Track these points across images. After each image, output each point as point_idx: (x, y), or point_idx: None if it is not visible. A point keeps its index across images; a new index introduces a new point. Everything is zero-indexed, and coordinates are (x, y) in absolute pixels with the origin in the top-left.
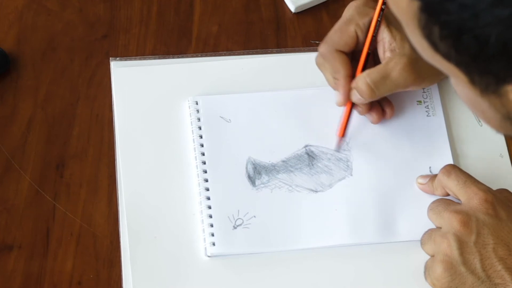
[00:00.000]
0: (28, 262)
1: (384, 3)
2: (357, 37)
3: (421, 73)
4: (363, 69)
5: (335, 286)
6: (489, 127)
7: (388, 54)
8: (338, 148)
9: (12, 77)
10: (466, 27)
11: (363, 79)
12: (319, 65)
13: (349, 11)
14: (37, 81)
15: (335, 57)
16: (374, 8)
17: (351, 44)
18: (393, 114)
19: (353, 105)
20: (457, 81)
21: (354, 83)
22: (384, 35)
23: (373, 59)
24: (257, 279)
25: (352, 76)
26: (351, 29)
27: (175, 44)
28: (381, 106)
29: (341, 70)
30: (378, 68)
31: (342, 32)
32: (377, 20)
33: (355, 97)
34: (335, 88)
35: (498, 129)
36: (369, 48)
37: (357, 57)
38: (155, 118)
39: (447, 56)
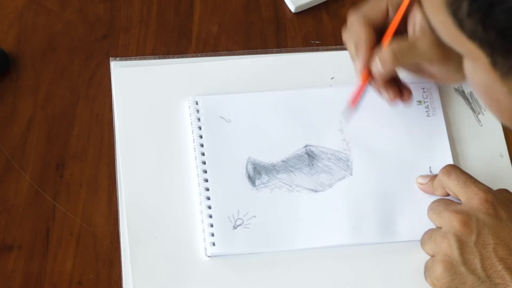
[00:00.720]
0: (28, 262)
1: None
2: (388, 13)
3: (449, 54)
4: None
5: (335, 286)
6: (498, 121)
7: (418, 33)
8: (348, 119)
9: (12, 77)
10: (498, 2)
11: (390, 46)
12: (344, 37)
13: None
14: (37, 81)
15: (361, 26)
16: None
17: (380, 18)
18: (411, 98)
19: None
20: (476, 64)
21: (378, 52)
22: (416, 15)
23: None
24: (257, 279)
25: (373, 46)
26: (383, 4)
27: (175, 44)
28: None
29: (363, 37)
30: (406, 39)
31: (373, 5)
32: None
33: (376, 67)
34: (355, 57)
35: (511, 122)
36: (398, 25)
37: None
38: (155, 118)
39: (472, 34)
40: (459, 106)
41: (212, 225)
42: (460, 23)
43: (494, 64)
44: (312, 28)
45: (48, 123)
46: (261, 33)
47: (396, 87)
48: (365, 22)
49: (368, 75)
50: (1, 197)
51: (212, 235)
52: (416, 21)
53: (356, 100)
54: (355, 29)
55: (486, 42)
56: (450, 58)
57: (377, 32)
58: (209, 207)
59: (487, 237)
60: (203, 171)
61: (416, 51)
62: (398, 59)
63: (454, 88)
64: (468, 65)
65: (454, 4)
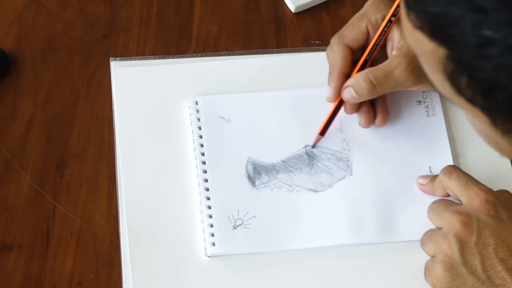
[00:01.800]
0: (28, 262)
1: (399, 5)
2: (368, 33)
3: (422, 76)
4: (361, 69)
5: (335, 286)
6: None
7: (394, 52)
8: (313, 145)
9: (12, 77)
10: (501, 85)
11: (365, 75)
12: (327, 56)
13: (365, 6)
14: (37, 81)
15: (339, 51)
16: (390, 7)
17: (360, 39)
18: (385, 123)
19: (340, 105)
20: (476, 119)
21: (350, 81)
22: (394, 33)
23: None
24: (257, 279)
25: (347, 75)
26: (363, 24)
27: (175, 44)
28: (375, 111)
29: (337, 65)
30: (381, 66)
31: (354, 26)
32: (389, 20)
33: (349, 94)
34: (328, 83)
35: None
36: (371, 51)
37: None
38: (155, 118)
39: (471, 101)
40: None
41: (212, 225)
42: (459, 91)
43: (495, 124)
44: (312, 28)
45: (48, 123)
46: (261, 33)
47: (371, 110)
48: (344, 46)
49: (338, 102)
50: (1, 197)
51: (212, 235)
52: (394, 41)
53: (323, 127)
54: (332, 52)
55: (486, 108)
56: (424, 80)
57: (358, 52)
58: (209, 207)
59: (488, 238)
60: (203, 171)
61: (392, 80)
62: (377, 89)
63: None
64: (467, 113)
65: (452, 76)
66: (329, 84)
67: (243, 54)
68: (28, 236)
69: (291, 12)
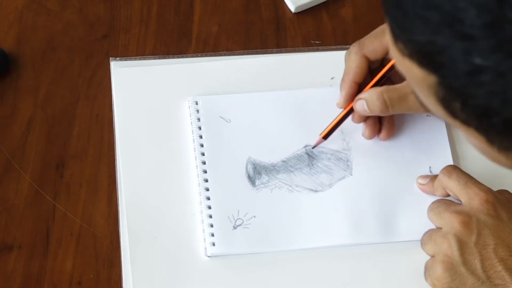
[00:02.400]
0: (28, 262)
1: None
2: (388, 48)
3: None
4: (377, 84)
5: (335, 286)
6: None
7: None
8: (313, 147)
9: (12, 77)
10: (495, 110)
11: (379, 94)
12: (344, 59)
13: None
14: (37, 81)
15: (356, 59)
16: None
17: (379, 52)
18: (388, 138)
19: (349, 113)
20: (472, 136)
21: (365, 94)
22: None
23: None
24: (257, 279)
25: (359, 84)
26: (384, 39)
27: (175, 44)
28: (380, 124)
29: (351, 73)
30: (397, 87)
31: (376, 37)
32: None
33: (361, 107)
34: (340, 88)
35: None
36: (388, 70)
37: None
38: (155, 118)
39: (465, 123)
40: None
41: (212, 225)
42: (453, 114)
43: (491, 142)
44: (312, 28)
45: (48, 123)
46: (261, 33)
47: (377, 123)
48: (361, 56)
49: (348, 110)
50: (1, 197)
51: (212, 235)
52: None
53: (328, 132)
54: (349, 58)
55: (481, 130)
56: None
57: (376, 62)
58: (209, 207)
59: (488, 238)
60: (203, 171)
61: (406, 104)
62: (389, 109)
63: None
64: (462, 131)
65: (444, 101)
66: (340, 90)
67: (243, 54)
68: (28, 236)
69: (291, 12)
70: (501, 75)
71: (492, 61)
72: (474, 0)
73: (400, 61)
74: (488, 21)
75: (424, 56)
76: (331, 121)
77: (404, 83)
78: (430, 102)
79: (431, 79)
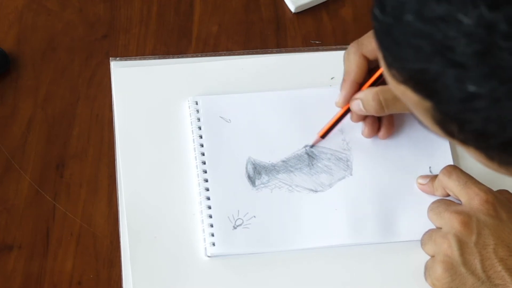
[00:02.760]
0: (28, 262)
1: None
2: None
3: None
4: (374, 83)
5: (335, 286)
6: None
7: None
8: (311, 146)
9: (12, 77)
10: (492, 134)
11: (375, 94)
12: (343, 60)
13: None
14: (37, 81)
15: (355, 59)
16: None
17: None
18: (387, 137)
19: (347, 112)
20: (471, 152)
21: (361, 94)
22: None
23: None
24: (257, 279)
25: (360, 84)
26: None
27: (175, 44)
28: (380, 123)
29: (352, 74)
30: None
31: (373, 37)
32: None
33: (357, 107)
34: (340, 88)
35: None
36: None
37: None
38: (155, 118)
39: (464, 142)
40: None
41: (212, 225)
42: (450, 135)
43: (491, 158)
44: (312, 28)
45: (48, 123)
46: (261, 33)
47: (376, 122)
48: (360, 56)
49: (346, 110)
50: (1, 197)
51: (212, 235)
52: None
53: (326, 131)
54: (348, 61)
55: (480, 149)
56: None
57: (375, 61)
58: (209, 207)
59: (488, 238)
60: (203, 171)
61: (401, 104)
62: (384, 110)
63: None
64: (462, 147)
65: (442, 124)
66: (340, 90)
67: (243, 54)
68: (28, 236)
69: (291, 12)
70: (496, 101)
71: (486, 88)
72: (464, 29)
73: (394, 86)
74: (479, 50)
75: (417, 83)
76: (330, 119)
77: None
78: (427, 122)
79: (427, 103)
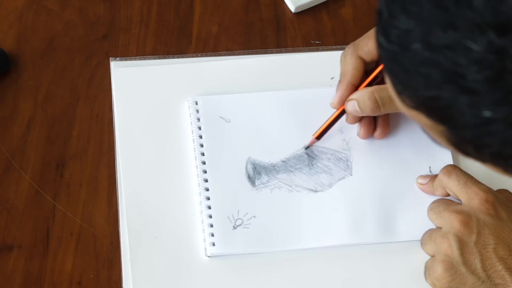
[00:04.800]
0: (28, 262)
1: None
2: None
3: None
4: (370, 85)
5: (335, 286)
6: None
7: None
8: (306, 147)
9: (12, 77)
10: (509, 155)
11: (370, 93)
12: (340, 62)
13: None
14: (37, 81)
15: (351, 61)
16: None
17: (374, 52)
18: (383, 136)
19: (342, 114)
20: (488, 167)
21: (356, 95)
22: None
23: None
24: (257, 279)
25: (356, 85)
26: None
27: (175, 44)
28: (375, 123)
29: (348, 75)
30: (388, 86)
31: (370, 38)
32: None
33: (352, 107)
34: (336, 89)
35: None
36: (382, 70)
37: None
38: (155, 118)
39: (481, 160)
40: None
41: (212, 225)
42: (466, 154)
43: (507, 171)
44: (312, 28)
45: (48, 123)
46: (261, 33)
47: (372, 122)
48: (357, 57)
49: (341, 111)
50: (1, 197)
51: (212, 235)
52: None
53: (321, 132)
54: (344, 63)
55: (497, 165)
56: None
57: (372, 63)
58: (209, 207)
59: (488, 237)
60: (203, 171)
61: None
62: (380, 109)
63: None
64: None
65: (458, 145)
66: (336, 91)
67: (243, 54)
68: (28, 236)
69: (291, 12)
70: None
71: (502, 112)
72: (474, 56)
73: (406, 111)
74: (491, 76)
75: (430, 109)
76: (325, 121)
77: None
78: (442, 142)
79: (441, 127)
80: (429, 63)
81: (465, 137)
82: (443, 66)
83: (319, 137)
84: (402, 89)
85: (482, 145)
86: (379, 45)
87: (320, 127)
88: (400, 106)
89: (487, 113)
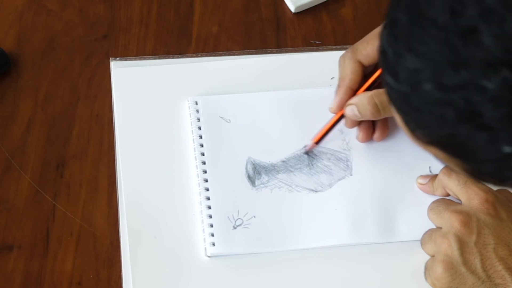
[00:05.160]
0: (28, 262)
1: None
2: None
3: None
4: (369, 89)
5: (335, 286)
6: None
7: None
8: (306, 152)
9: (12, 77)
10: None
11: (370, 98)
12: (338, 66)
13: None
14: (37, 81)
15: (350, 65)
16: None
17: (373, 56)
18: (382, 139)
19: (341, 118)
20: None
21: (355, 99)
22: None
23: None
24: (257, 279)
25: (355, 90)
26: (377, 42)
27: (175, 44)
28: (374, 126)
29: (347, 80)
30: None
31: (368, 42)
32: None
33: (351, 112)
34: (334, 94)
35: None
36: (381, 74)
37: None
38: (155, 118)
39: (498, 186)
40: None
41: (212, 225)
42: (484, 181)
43: None
44: (312, 28)
45: (48, 123)
46: (261, 33)
47: (371, 126)
48: (355, 62)
49: (340, 116)
50: (1, 197)
51: (212, 235)
52: None
53: (320, 137)
54: (344, 65)
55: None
56: None
57: (370, 67)
58: (209, 207)
59: (488, 237)
60: (203, 171)
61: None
62: (380, 113)
63: None
64: None
65: (477, 176)
66: (334, 96)
67: (243, 54)
68: (28, 236)
69: (291, 12)
70: None
71: None
72: (488, 94)
73: (421, 146)
74: (508, 112)
75: (446, 146)
76: (324, 125)
77: None
78: (459, 171)
79: (458, 161)
80: (442, 103)
81: (485, 171)
82: (457, 105)
83: (318, 142)
84: (416, 127)
85: (502, 178)
86: (387, 84)
87: (319, 132)
88: (414, 142)
89: (507, 149)
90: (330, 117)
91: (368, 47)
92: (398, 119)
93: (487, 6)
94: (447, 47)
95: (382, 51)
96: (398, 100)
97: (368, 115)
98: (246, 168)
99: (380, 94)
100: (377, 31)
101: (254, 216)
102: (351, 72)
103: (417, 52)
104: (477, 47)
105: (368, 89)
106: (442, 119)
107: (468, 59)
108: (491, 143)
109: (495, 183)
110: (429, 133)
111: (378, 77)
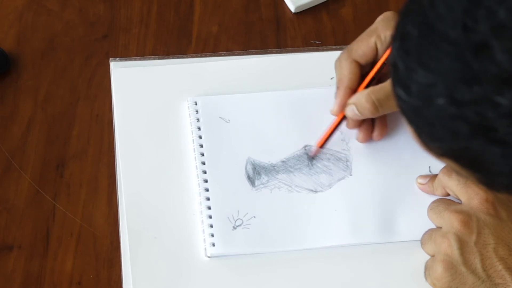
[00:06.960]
0: (28, 262)
1: None
2: (377, 49)
3: None
4: (368, 86)
5: (335, 286)
6: None
7: None
8: (312, 157)
9: (12, 77)
10: None
11: (367, 96)
12: (335, 68)
13: (375, 22)
14: (37, 81)
15: (347, 66)
16: None
17: (369, 55)
18: (382, 137)
19: (342, 120)
20: None
21: (353, 99)
22: None
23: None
24: (257, 280)
25: (354, 90)
26: (372, 40)
27: (175, 44)
28: (373, 125)
29: (345, 80)
30: (383, 86)
31: (363, 41)
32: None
33: (351, 112)
34: (334, 96)
35: None
36: (379, 70)
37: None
38: (155, 118)
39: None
40: None
41: (212, 226)
42: (498, 192)
43: None
44: (312, 28)
45: (48, 123)
46: (261, 33)
47: (370, 126)
48: (352, 62)
49: (341, 117)
50: (1, 197)
51: (212, 235)
52: None
53: (324, 140)
54: (340, 68)
55: None
56: None
57: (367, 66)
58: (209, 208)
59: (488, 237)
60: (203, 171)
61: (394, 102)
62: (378, 110)
63: None
64: None
65: (490, 186)
66: (335, 98)
67: (243, 54)
68: (28, 236)
69: (291, 12)
70: None
71: None
72: (502, 110)
73: (434, 157)
74: None
75: (460, 158)
76: (326, 128)
77: (389, 81)
78: (472, 181)
79: (472, 172)
80: (455, 118)
81: (499, 183)
82: (470, 120)
83: (322, 146)
84: (429, 140)
85: (494, 183)
86: (398, 97)
87: (323, 136)
88: (428, 153)
89: None
90: (331, 118)
91: (363, 46)
92: (410, 130)
93: (499, 21)
94: (459, 62)
95: (393, 64)
96: (410, 113)
97: (367, 113)
98: (246, 168)
99: (377, 91)
100: (369, 30)
101: (254, 217)
102: (348, 72)
103: (429, 67)
104: (490, 63)
105: (366, 87)
106: (455, 133)
107: (481, 74)
108: (505, 157)
109: (509, 193)
110: (442, 146)
111: (376, 74)
